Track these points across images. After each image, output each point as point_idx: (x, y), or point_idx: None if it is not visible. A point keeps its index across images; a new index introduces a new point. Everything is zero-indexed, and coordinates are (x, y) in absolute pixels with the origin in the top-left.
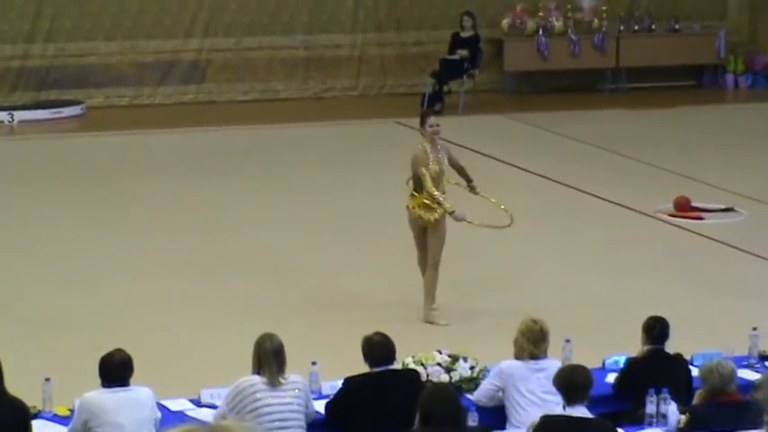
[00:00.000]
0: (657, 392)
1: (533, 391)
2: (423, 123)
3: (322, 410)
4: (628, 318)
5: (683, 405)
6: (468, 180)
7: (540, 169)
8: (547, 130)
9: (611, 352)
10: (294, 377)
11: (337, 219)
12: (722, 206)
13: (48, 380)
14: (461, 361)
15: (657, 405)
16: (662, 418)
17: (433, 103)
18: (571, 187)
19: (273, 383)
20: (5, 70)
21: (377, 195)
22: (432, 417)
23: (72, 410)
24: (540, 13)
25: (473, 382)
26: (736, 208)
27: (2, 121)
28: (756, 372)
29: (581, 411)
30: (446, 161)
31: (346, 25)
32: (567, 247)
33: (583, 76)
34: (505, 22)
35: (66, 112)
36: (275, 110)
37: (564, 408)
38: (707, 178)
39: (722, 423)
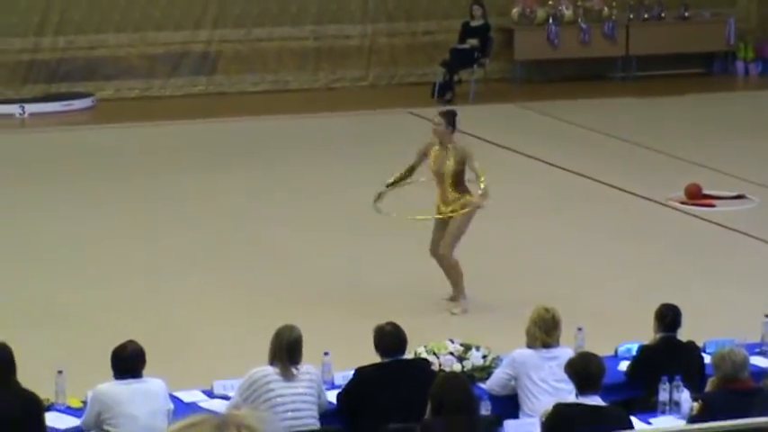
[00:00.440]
0: (670, 380)
1: (546, 380)
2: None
3: (334, 401)
4: (640, 306)
5: (696, 392)
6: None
7: (551, 158)
8: (557, 118)
9: (624, 340)
10: (307, 367)
11: (350, 210)
12: (733, 193)
13: (60, 372)
14: (474, 350)
15: (670, 392)
16: (675, 405)
17: (444, 93)
18: (582, 176)
19: (286, 375)
20: (16, 63)
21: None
22: (444, 406)
23: (85, 402)
24: (550, 2)
25: (485, 371)
26: (747, 195)
27: (13, 114)
28: None
29: (594, 400)
30: (452, 165)
31: (356, 15)
32: (579, 236)
33: (593, 64)
34: (515, 11)
35: (77, 104)
36: (286, 101)
37: (576, 396)
38: (718, 165)
39: (735, 410)
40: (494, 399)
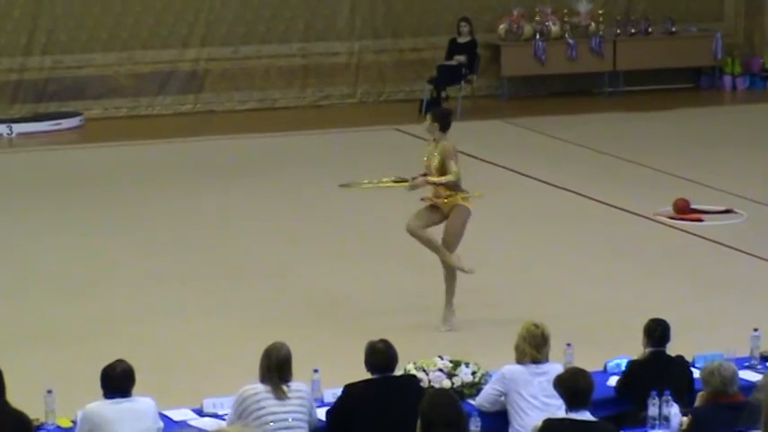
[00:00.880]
0: (659, 395)
1: (536, 396)
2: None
3: (324, 418)
4: (629, 321)
5: (685, 407)
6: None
7: (538, 173)
8: (545, 134)
9: (613, 355)
10: (297, 385)
11: (338, 227)
12: (721, 208)
13: (50, 392)
14: (463, 366)
15: (660, 407)
16: (664, 420)
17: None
18: (570, 191)
19: (277, 394)
20: (3, 83)
21: (377, 203)
22: (433, 423)
23: (74, 422)
24: (537, 18)
25: (475, 388)
26: (735, 209)
27: (1, 134)
28: (758, 373)
29: (584, 415)
30: (435, 160)
31: (343, 33)
32: (567, 251)
33: (580, 79)
34: (502, 28)
35: (65, 123)
36: (273, 118)
37: (566, 412)
38: (706, 180)
39: (724, 425)
40: (483, 415)
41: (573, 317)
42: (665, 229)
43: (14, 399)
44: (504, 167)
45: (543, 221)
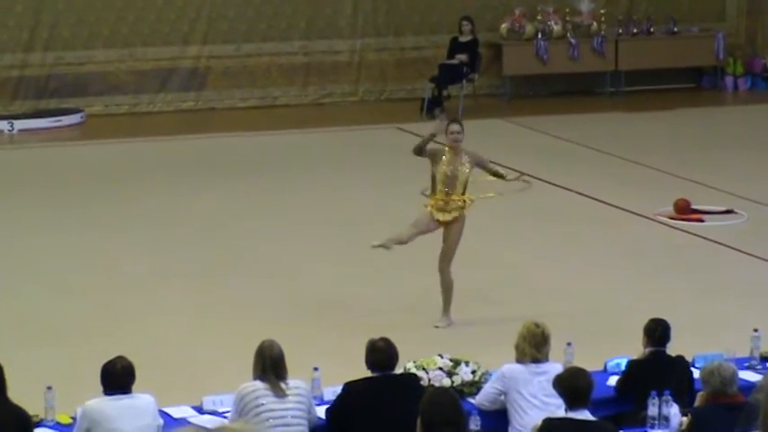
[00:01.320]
0: (659, 395)
1: (535, 395)
2: (446, 129)
3: (323, 416)
4: (629, 320)
5: (685, 407)
6: (501, 176)
7: (539, 173)
8: (546, 133)
9: (613, 355)
10: (296, 383)
11: (339, 225)
12: (722, 208)
13: (49, 388)
14: (463, 365)
15: (659, 407)
16: (664, 420)
17: (433, 108)
18: (571, 191)
19: (276, 391)
20: (5, 79)
21: (378, 201)
22: (433, 421)
23: (74, 418)
24: (539, 17)
25: (475, 386)
26: (736, 210)
27: (2, 131)
28: (758, 373)
29: (583, 414)
30: (467, 170)
31: (345, 31)
32: (568, 251)
33: (582, 79)
34: (504, 27)
35: (66, 120)
36: (275, 116)
37: (566, 411)
38: (707, 180)
39: (724, 425)
40: (483, 414)
41: (573, 316)
42: (666, 230)
43: (14, 395)
44: (504, 166)
45: (544, 221)
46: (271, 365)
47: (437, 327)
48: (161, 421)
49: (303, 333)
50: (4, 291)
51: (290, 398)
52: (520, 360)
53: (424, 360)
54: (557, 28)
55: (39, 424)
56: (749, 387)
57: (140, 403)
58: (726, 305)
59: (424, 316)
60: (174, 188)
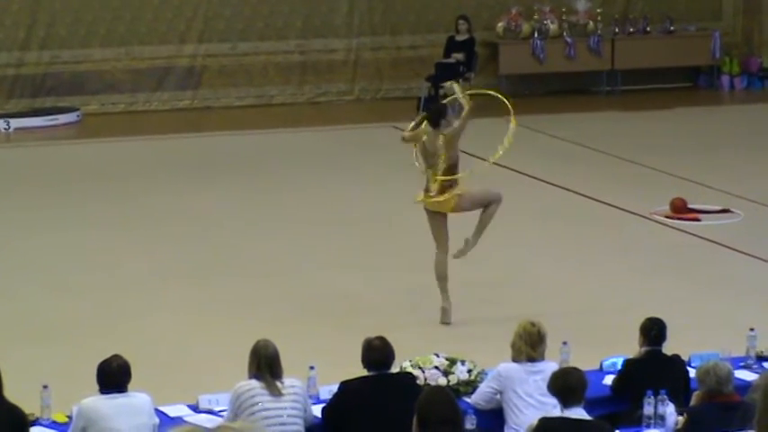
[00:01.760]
0: (655, 394)
1: (531, 394)
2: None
3: (319, 414)
4: (625, 319)
5: (681, 406)
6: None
7: (536, 172)
8: (543, 132)
9: (609, 354)
10: (292, 381)
11: (335, 223)
12: (718, 207)
13: (45, 387)
14: (459, 364)
15: (655, 406)
16: (660, 419)
17: (429, 107)
18: (567, 190)
19: (271, 390)
20: (1, 78)
21: (374, 200)
22: (429, 420)
23: (70, 417)
24: (535, 16)
25: (471, 386)
26: (732, 209)
27: None
28: (754, 372)
29: (578, 413)
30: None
31: (341, 30)
32: (564, 250)
33: (578, 78)
34: (500, 26)
35: (62, 119)
36: (271, 115)
37: (561, 410)
38: (703, 180)
39: (719, 424)
40: (479, 413)
41: (569, 315)
42: (662, 229)
43: (10, 394)
44: (500, 165)
45: (540, 220)
46: (266, 364)
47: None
48: (157, 420)
49: (299, 332)
50: (0, 289)
51: (285, 397)
52: (516, 359)
53: (420, 359)
54: (553, 27)
55: (35, 423)
56: (745, 386)
57: (136, 402)
58: (722, 304)
59: (420, 315)
60: (171, 187)
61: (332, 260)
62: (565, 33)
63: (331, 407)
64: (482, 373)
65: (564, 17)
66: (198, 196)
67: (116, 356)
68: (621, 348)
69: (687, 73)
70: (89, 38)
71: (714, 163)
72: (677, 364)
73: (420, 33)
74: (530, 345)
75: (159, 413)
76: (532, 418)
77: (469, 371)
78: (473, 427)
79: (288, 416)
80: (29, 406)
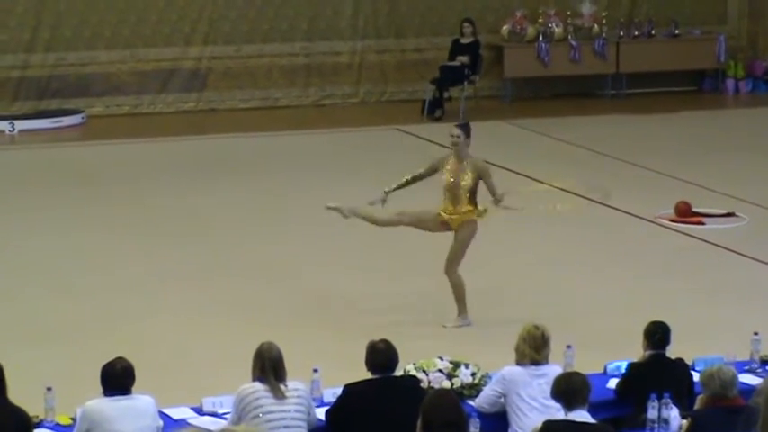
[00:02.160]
0: (659, 397)
1: (535, 397)
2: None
3: (323, 417)
4: (629, 323)
5: (685, 410)
6: (494, 195)
7: (540, 175)
8: (547, 135)
9: (613, 357)
10: (295, 384)
11: (339, 226)
12: (723, 211)
13: (49, 389)
14: (463, 367)
15: (659, 410)
16: (664, 423)
17: (434, 110)
18: (572, 194)
19: (275, 393)
20: (6, 80)
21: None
22: (433, 423)
23: (74, 419)
24: (540, 20)
25: (474, 389)
26: (737, 213)
27: (3, 131)
28: (758, 376)
29: (582, 416)
30: (469, 180)
31: (346, 32)
32: (568, 253)
33: (583, 81)
34: (505, 29)
35: (67, 121)
36: (276, 117)
37: (565, 414)
38: (708, 183)
39: (723, 428)
40: (483, 416)
41: (573, 319)
42: (667, 232)
43: (14, 396)
44: (505, 168)
45: (544, 223)
46: (270, 367)
47: (445, 326)
48: (161, 422)
49: (303, 334)
50: (4, 291)
51: (289, 399)
52: (519, 362)
53: (424, 362)
54: (558, 30)
55: (39, 425)
56: (749, 390)
57: (140, 404)
58: (726, 308)
59: (424, 317)
60: (175, 189)
61: (336, 262)
62: (570, 37)
63: (335, 410)
64: (486, 377)
65: (569, 20)
66: (202, 198)
67: (120, 359)
68: (625, 352)
69: (692, 76)
70: (94, 40)
71: (719, 166)
72: (681, 367)
73: (425, 36)
74: (534, 348)
75: (163, 415)
76: (536, 421)
77: (473, 374)
78: (477, 430)
79: (291, 419)
80: (32, 408)
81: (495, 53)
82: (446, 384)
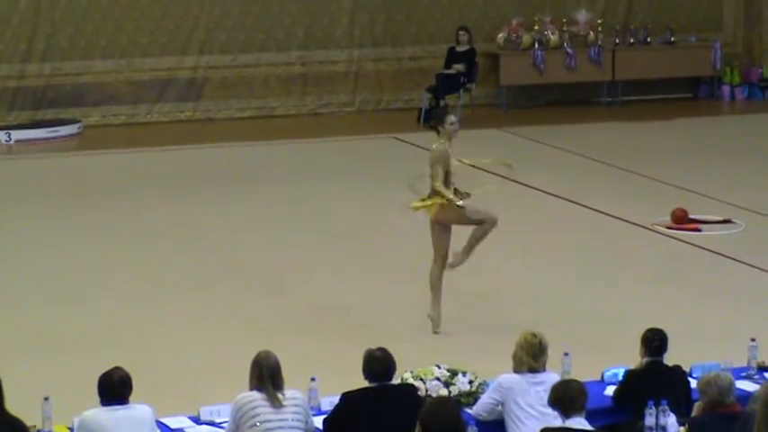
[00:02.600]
0: (656, 404)
1: (532, 405)
2: (442, 121)
3: (321, 426)
4: (626, 330)
5: (683, 417)
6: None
7: (537, 183)
8: (543, 143)
9: (610, 365)
10: (293, 392)
11: (336, 235)
12: (720, 218)
13: (47, 399)
14: (460, 375)
15: (657, 417)
16: (661, 430)
17: (430, 118)
18: (568, 200)
19: (273, 402)
20: (2, 90)
21: (375, 211)
22: (432, 430)
23: (71, 429)
24: (536, 27)
25: (472, 397)
26: (733, 219)
27: None
28: (755, 383)
29: (580, 423)
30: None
31: (342, 41)
32: (565, 261)
33: (579, 89)
34: (501, 36)
35: (63, 130)
36: (272, 126)
37: (563, 421)
38: (704, 190)
39: None
40: (480, 424)
41: (571, 326)
42: (663, 239)
43: (12, 405)
44: (500, 176)
45: (540, 230)
46: (267, 375)
47: (436, 332)
48: None
49: (300, 343)
50: (2, 300)
51: (287, 408)
52: (517, 370)
53: (422, 370)
54: (554, 38)
55: None
56: (746, 397)
57: (138, 414)
58: (723, 315)
59: (421, 326)
60: (172, 199)
61: (333, 271)
62: (565, 44)
63: (332, 418)
64: (483, 384)
65: (565, 28)
66: (199, 208)
67: (117, 368)
68: (623, 359)
69: (688, 83)
70: (90, 49)
71: (715, 173)
72: (678, 374)
73: (421, 44)
74: (531, 355)
75: (161, 425)
76: (534, 429)
77: (471, 382)
78: None
79: (289, 427)
80: (30, 418)
81: (490, 61)
82: (443, 392)
